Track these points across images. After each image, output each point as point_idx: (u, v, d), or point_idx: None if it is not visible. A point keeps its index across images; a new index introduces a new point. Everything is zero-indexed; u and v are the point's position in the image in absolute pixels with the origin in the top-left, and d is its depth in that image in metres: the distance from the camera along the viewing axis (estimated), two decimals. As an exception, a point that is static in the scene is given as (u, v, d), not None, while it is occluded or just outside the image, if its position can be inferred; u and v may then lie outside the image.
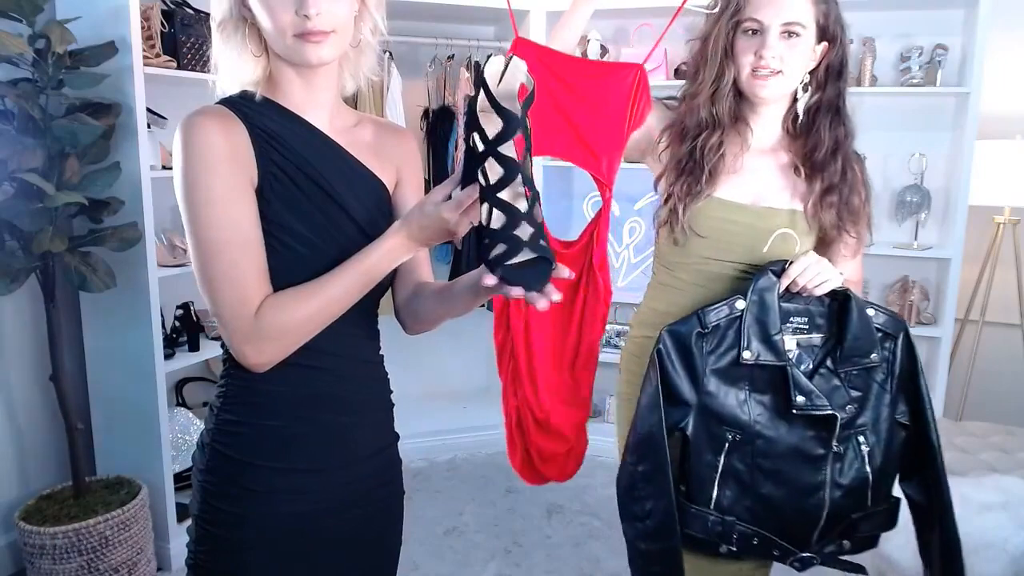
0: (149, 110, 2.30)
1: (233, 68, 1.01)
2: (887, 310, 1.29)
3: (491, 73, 0.85)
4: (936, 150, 2.99)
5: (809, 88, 1.34)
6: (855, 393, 1.26)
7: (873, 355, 1.26)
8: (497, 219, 0.84)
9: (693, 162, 1.37)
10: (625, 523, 1.30)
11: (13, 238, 2.05)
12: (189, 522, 1.09)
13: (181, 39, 2.41)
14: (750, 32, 1.29)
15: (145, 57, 2.25)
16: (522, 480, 1.61)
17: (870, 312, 1.26)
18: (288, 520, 1.06)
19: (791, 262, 1.25)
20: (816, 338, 1.28)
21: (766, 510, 1.26)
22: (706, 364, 1.25)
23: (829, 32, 1.30)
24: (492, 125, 0.83)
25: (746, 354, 1.23)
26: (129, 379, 2.36)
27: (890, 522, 1.31)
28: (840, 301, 1.26)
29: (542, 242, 0.84)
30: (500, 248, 0.83)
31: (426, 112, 3.36)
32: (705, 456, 1.26)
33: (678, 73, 3.09)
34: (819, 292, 1.24)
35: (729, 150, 1.37)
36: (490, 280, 0.84)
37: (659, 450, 1.24)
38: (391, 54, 3.18)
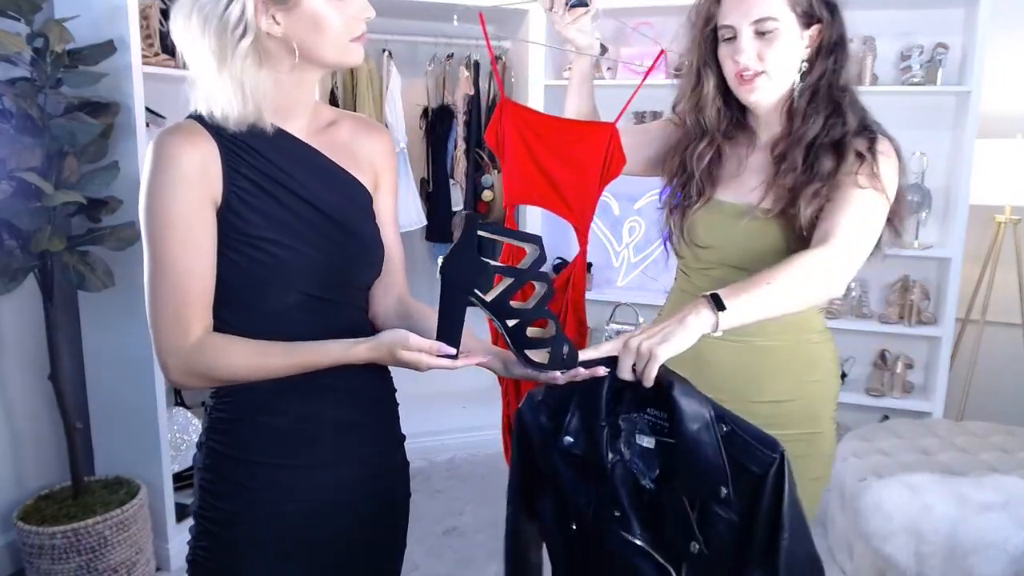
0: (148, 109, 2.29)
1: (265, 92, 0.97)
2: (753, 431, 0.92)
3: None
4: (936, 149, 2.98)
5: (806, 76, 1.27)
6: (708, 531, 0.94)
7: (721, 487, 0.92)
8: (549, 330, 1.01)
9: (685, 173, 1.35)
10: None
11: (12, 237, 2.04)
12: (191, 518, 1.10)
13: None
14: (726, 39, 1.25)
15: (144, 56, 2.24)
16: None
17: (723, 428, 0.92)
18: (286, 519, 1.06)
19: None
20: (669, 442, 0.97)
21: None
22: (554, 439, 1.03)
23: (815, 14, 1.23)
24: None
25: (567, 439, 1.00)
26: (128, 379, 2.36)
27: None
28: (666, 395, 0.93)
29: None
30: (567, 348, 0.99)
31: (425, 111, 3.36)
32: (554, 534, 1.07)
33: (677, 75, 3.08)
34: (651, 379, 0.94)
35: (735, 154, 1.34)
36: (557, 376, 1.00)
37: (512, 546, 1.12)
38: (391, 53, 3.18)
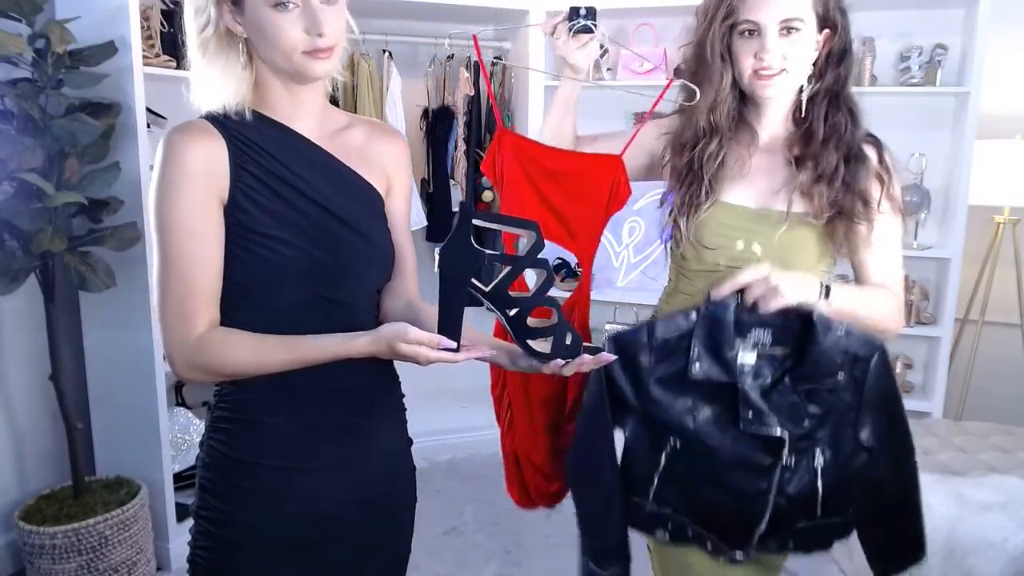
0: (149, 110, 2.30)
1: (220, 85, 1.01)
2: (861, 331, 1.21)
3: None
4: (936, 150, 2.99)
5: (812, 79, 1.29)
6: (815, 410, 1.21)
7: (838, 376, 1.20)
8: (549, 318, 1.00)
9: (692, 173, 1.34)
10: (576, 501, 1.33)
11: (13, 238, 2.05)
12: (192, 518, 1.10)
13: (181, 38, 2.41)
14: (747, 33, 1.24)
15: (145, 57, 2.25)
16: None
17: (839, 333, 1.19)
18: (284, 521, 1.06)
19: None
20: (778, 351, 1.22)
21: (704, 509, 1.25)
22: (652, 374, 1.22)
23: (829, 19, 1.25)
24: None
25: (695, 370, 1.19)
26: (129, 379, 2.36)
27: (843, 533, 1.29)
28: (804, 320, 1.19)
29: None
30: (570, 338, 1.00)
31: (426, 112, 3.36)
32: (646, 455, 1.25)
33: (677, 73, 3.08)
34: (770, 308, 1.17)
35: (735, 153, 1.33)
36: (560, 367, 1.00)
37: (604, 443, 1.25)
38: (391, 54, 3.18)
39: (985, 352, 3.06)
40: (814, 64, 1.28)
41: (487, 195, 3.32)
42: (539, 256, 0.96)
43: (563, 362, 0.99)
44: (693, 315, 1.20)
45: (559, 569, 2.47)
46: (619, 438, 1.28)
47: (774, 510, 1.22)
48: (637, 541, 1.35)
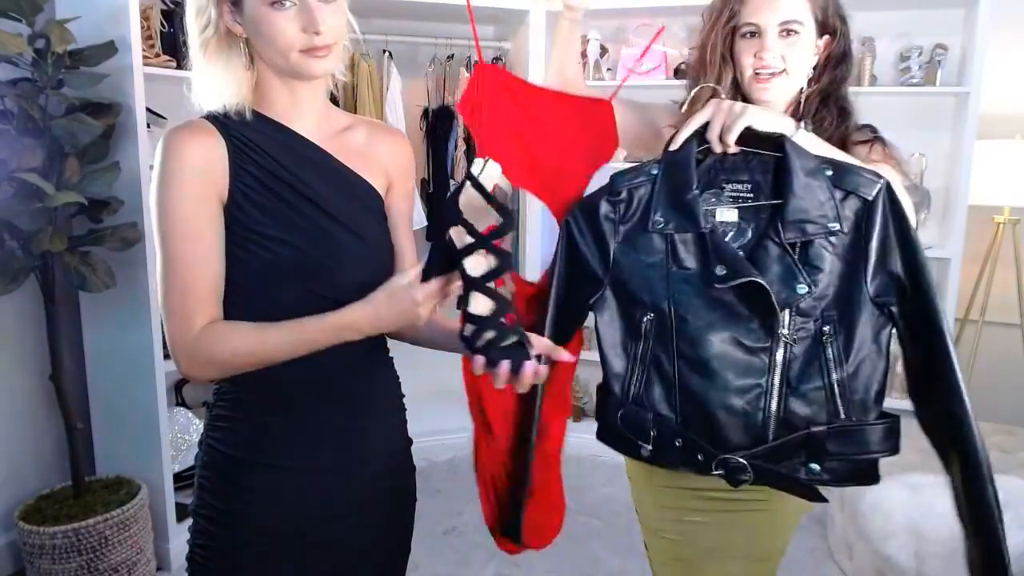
0: (149, 110, 2.30)
1: (220, 86, 1.01)
2: (854, 167, 1.05)
3: (486, 175, 1.00)
4: (936, 150, 2.98)
5: (812, 82, 1.31)
6: (813, 272, 1.05)
7: (831, 223, 1.04)
8: (485, 307, 0.91)
9: None
10: None
11: (13, 238, 2.05)
12: (191, 517, 1.10)
13: (181, 38, 2.41)
14: (748, 35, 1.27)
15: (145, 57, 2.25)
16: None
17: (828, 171, 1.03)
18: (283, 520, 1.06)
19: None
20: (763, 205, 1.08)
21: (694, 408, 1.08)
22: (617, 234, 1.14)
23: (829, 25, 1.28)
24: (482, 220, 0.91)
25: (656, 218, 1.09)
26: (129, 379, 2.36)
27: (886, 444, 1.08)
28: (781, 160, 1.04)
29: (519, 328, 0.93)
30: (490, 334, 0.91)
31: (426, 112, 3.36)
32: (622, 341, 1.15)
33: (677, 73, 3.08)
34: (735, 134, 1.07)
35: None
36: (480, 365, 0.91)
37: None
38: (391, 54, 3.18)
39: (985, 352, 3.06)
40: (814, 68, 1.30)
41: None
42: (499, 245, 0.90)
43: (484, 362, 0.91)
44: (654, 168, 1.13)
45: (559, 569, 2.47)
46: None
47: (780, 410, 1.05)
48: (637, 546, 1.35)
